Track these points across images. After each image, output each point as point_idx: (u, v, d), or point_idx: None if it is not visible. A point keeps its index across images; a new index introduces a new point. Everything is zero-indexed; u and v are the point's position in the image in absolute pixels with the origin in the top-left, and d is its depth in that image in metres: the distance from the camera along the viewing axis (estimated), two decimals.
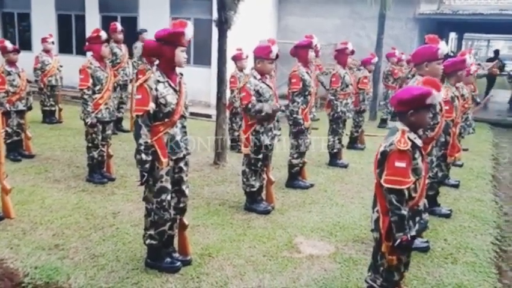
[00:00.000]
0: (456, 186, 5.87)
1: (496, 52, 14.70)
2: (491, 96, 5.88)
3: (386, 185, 2.65)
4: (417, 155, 2.72)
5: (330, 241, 4.18)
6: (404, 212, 2.64)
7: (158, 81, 3.23)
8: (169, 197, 3.37)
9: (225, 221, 4.48)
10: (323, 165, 6.63)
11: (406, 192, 2.64)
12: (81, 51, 12.16)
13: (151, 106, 3.18)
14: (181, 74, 3.42)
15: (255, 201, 4.77)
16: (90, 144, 5.34)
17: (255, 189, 4.72)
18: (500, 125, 10.68)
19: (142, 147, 3.18)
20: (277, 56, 4.60)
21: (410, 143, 2.65)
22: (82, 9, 12.29)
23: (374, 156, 2.85)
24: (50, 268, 3.46)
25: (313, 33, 5.60)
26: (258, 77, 4.56)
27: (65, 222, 4.28)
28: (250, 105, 4.47)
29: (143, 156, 3.18)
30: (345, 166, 6.61)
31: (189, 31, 3.23)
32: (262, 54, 4.53)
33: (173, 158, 3.33)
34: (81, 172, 5.69)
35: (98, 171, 5.45)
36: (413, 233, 2.72)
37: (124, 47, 7.89)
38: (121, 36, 7.77)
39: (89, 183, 5.36)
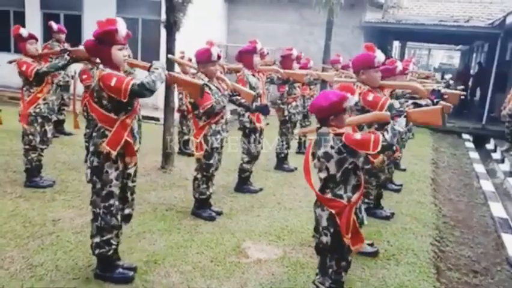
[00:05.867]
0: (398, 191, 6.05)
1: None
2: None
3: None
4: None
5: (278, 245, 4.20)
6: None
7: None
8: (116, 203, 3.27)
9: (172, 227, 4.39)
10: (271, 169, 6.67)
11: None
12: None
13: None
14: (131, 73, 3.32)
15: (202, 207, 4.71)
16: (27, 147, 5.07)
17: (205, 196, 4.65)
18: (439, 131, 11.23)
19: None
20: (219, 56, 4.53)
21: None
22: (21, 6, 11.67)
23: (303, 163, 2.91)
24: None
25: (263, 37, 5.65)
26: (206, 79, 4.48)
27: (0, 231, 4.02)
28: (213, 105, 4.37)
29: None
30: (292, 170, 6.66)
31: (121, 27, 3.15)
32: (202, 58, 4.44)
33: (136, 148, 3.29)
34: (18, 177, 5.38)
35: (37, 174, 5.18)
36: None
37: (67, 46, 7.57)
38: (61, 35, 7.50)
39: (27, 188, 5.06)
